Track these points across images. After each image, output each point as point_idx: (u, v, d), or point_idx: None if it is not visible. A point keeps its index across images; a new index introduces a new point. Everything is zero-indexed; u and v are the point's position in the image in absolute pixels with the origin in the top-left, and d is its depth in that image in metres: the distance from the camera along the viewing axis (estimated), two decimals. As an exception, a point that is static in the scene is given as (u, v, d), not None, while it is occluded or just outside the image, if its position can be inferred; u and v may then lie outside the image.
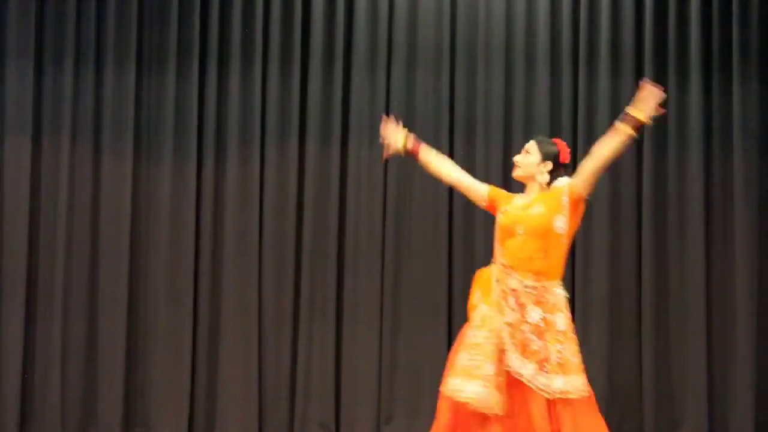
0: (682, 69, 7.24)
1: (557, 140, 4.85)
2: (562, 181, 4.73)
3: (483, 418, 4.56)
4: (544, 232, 4.62)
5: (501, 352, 4.59)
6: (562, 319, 4.60)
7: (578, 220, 4.75)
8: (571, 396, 4.51)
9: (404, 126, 7.17)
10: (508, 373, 4.57)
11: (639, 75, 7.26)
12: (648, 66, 7.23)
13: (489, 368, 4.57)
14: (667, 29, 7.26)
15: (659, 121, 7.19)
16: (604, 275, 7.17)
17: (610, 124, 7.12)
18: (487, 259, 4.80)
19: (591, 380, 6.99)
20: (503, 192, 4.91)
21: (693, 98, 7.21)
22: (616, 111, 7.23)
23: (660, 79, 7.20)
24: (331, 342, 7.23)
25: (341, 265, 7.29)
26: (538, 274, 4.62)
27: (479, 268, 7.12)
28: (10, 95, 7.26)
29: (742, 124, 7.16)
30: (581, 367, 4.60)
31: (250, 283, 7.25)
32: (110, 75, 7.30)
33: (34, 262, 7.21)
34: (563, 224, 4.65)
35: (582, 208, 4.74)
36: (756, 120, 7.19)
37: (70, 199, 7.24)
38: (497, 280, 4.69)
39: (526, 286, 4.61)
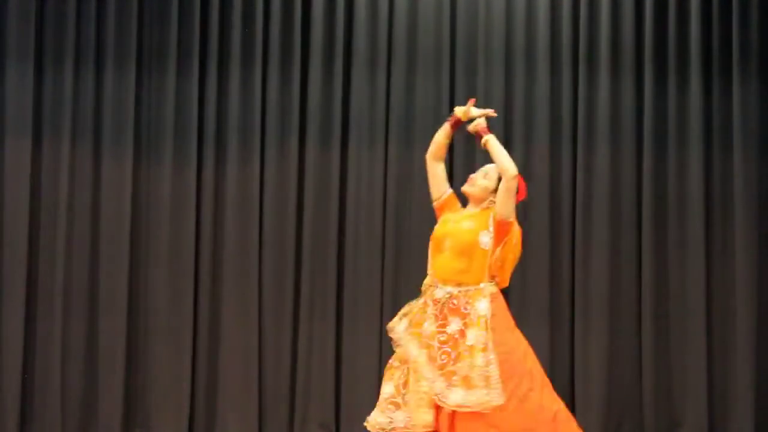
0: (682, 69, 7.23)
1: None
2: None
3: None
4: (470, 248, 4.69)
5: (416, 370, 4.65)
6: (473, 333, 4.61)
7: (513, 247, 4.76)
8: (468, 410, 4.51)
9: (405, 127, 7.31)
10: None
11: (639, 75, 7.28)
12: (648, 66, 7.23)
13: (387, 389, 4.73)
14: (667, 29, 7.26)
15: (660, 121, 7.25)
16: (604, 275, 7.17)
17: (610, 124, 7.24)
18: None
19: (591, 380, 7.08)
20: (458, 203, 4.93)
21: (693, 98, 7.21)
22: (616, 111, 7.26)
23: (660, 79, 7.23)
24: (331, 342, 7.23)
25: (341, 265, 7.29)
26: (463, 287, 4.67)
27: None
28: (10, 96, 7.26)
29: (742, 124, 7.16)
30: (489, 379, 4.54)
31: (250, 283, 7.25)
32: (110, 75, 7.30)
33: (34, 262, 7.21)
34: (489, 240, 4.69)
35: (513, 233, 4.74)
36: (756, 120, 7.19)
37: (70, 199, 7.24)
38: (423, 291, 4.77)
39: (450, 296, 4.66)
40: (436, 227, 4.84)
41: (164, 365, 7.20)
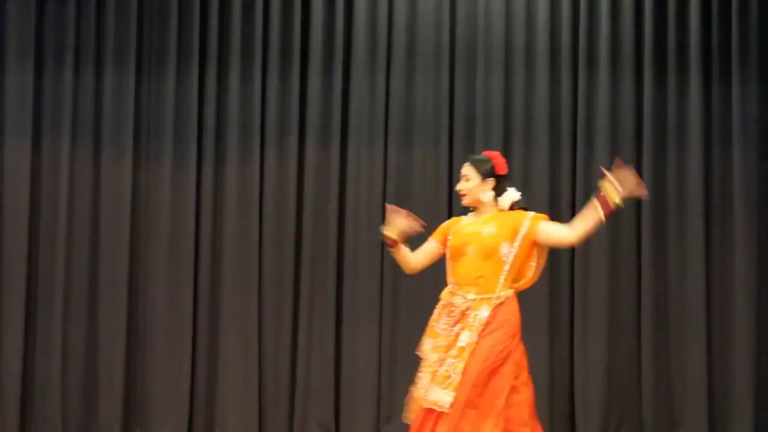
0: (682, 69, 7.24)
1: (489, 153, 4.87)
2: (527, 214, 4.80)
3: None
4: (491, 253, 4.69)
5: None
6: (466, 337, 4.63)
7: (541, 260, 4.80)
8: (440, 409, 4.59)
9: (405, 126, 7.31)
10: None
11: (639, 75, 7.28)
12: (648, 66, 7.24)
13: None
14: (667, 29, 7.27)
15: (660, 124, 7.25)
16: (604, 275, 7.17)
17: (610, 124, 7.23)
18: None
19: (591, 380, 7.08)
20: (446, 223, 4.96)
21: (693, 98, 7.22)
22: (616, 111, 7.27)
23: (660, 79, 7.23)
24: (331, 342, 7.23)
25: (341, 265, 7.30)
26: (480, 291, 4.68)
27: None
28: (10, 95, 7.27)
29: (742, 124, 7.16)
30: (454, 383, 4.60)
31: (250, 283, 7.25)
32: (110, 75, 7.31)
33: (34, 261, 7.22)
34: (508, 251, 4.71)
35: (541, 254, 4.80)
36: (756, 120, 7.19)
37: (70, 199, 7.25)
38: (442, 302, 4.79)
39: (465, 301, 4.68)
40: (450, 239, 4.82)
41: (164, 365, 7.21)
